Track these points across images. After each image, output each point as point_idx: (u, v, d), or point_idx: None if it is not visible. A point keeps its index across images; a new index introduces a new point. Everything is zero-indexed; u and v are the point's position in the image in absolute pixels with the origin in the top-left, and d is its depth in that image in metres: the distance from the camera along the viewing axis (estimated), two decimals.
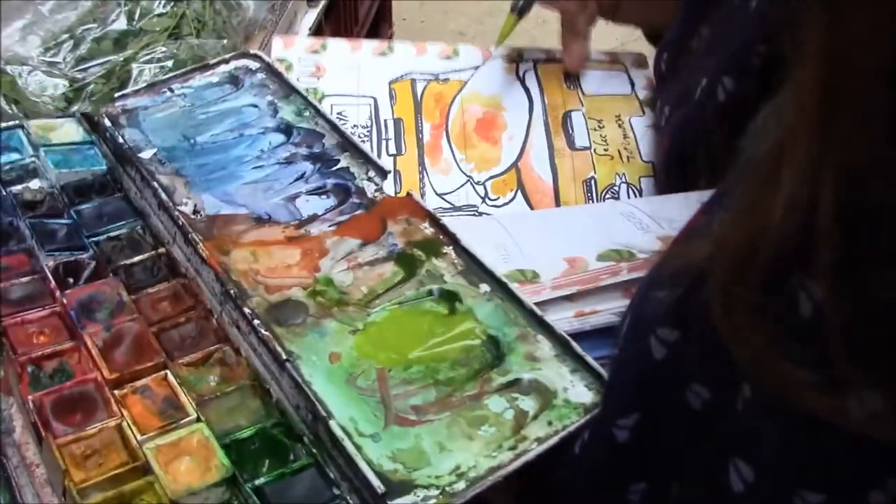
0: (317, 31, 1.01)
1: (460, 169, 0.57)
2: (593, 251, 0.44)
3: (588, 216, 0.49)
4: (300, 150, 0.50)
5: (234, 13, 0.93)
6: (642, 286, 0.35)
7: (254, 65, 0.56)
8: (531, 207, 0.56)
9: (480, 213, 0.55)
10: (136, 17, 0.93)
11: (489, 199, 0.56)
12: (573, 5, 0.61)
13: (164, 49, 0.91)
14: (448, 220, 0.47)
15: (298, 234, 0.45)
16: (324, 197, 0.47)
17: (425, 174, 0.56)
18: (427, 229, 0.45)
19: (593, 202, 0.56)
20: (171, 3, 0.94)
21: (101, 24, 0.92)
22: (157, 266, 0.44)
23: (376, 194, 0.47)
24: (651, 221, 0.46)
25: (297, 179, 0.48)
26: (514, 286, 0.42)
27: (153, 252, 0.44)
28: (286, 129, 0.51)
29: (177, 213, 0.45)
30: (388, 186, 0.55)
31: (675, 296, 0.33)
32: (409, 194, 0.46)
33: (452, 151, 0.58)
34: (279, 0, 0.94)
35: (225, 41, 0.88)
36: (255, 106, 0.53)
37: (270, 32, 0.90)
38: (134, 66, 0.89)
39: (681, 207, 0.47)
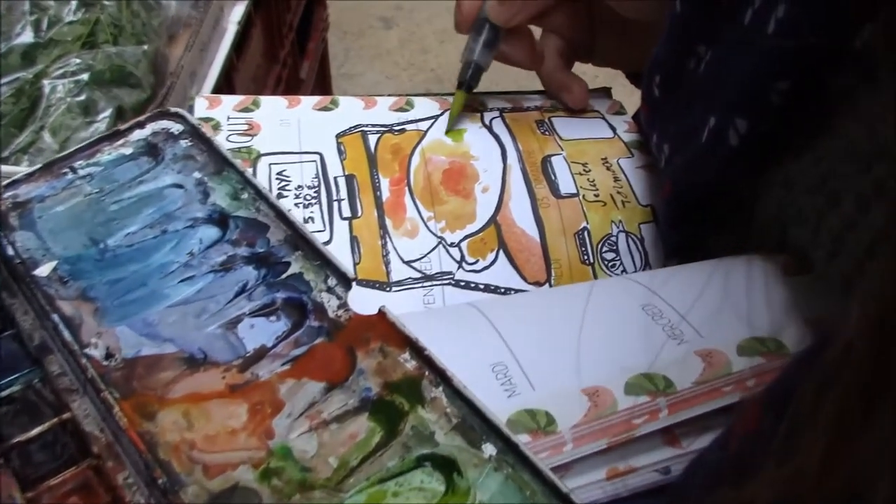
0: (246, 23, 0.90)
1: (429, 229, 0.47)
2: (619, 376, 0.35)
3: (600, 309, 0.39)
4: (239, 249, 0.40)
5: (153, 14, 0.82)
6: None
7: (176, 127, 0.45)
8: (517, 269, 0.47)
9: (457, 281, 0.46)
10: (45, 27, 0.83)
11: (466, 262, 0.47)
12: (525, 60, 0.55)
13: (78, 60, 0.80)
14: (419, 321, 0.38)
15: (243, 379, 0.35)
16: (272, 319, 0.37)
17: (388, 239, 0.47)
18: (408, 363, 0.35)
19: (588, 257, 0.47)
20: (83, 9, 0.83)
21: (4, 37, 0.81)
22: (60, 441, 0.34)
23: (340, 313, 0.37)
24: (683, 323, 0.37)
25: (237, 295, 0.38)
26: (525, 440, 0.33)
27: (55, 419, 0.34)
28: (220, 220, 0.41)
29: (84, 359, 0.35)
30: (346, 260, 0.45)
31: None
32: (381, 312, 0.36)
33: (418, 209, 0.48)
34: None
35: (146, 46, 0.78)
36: (181, 186, 0.43)
37: (196, 31, 0.79)
38: (46, 82, 0.79)
39: (718, 299, 0.38)
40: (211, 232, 0.40)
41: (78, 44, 0.81)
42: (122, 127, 0.45)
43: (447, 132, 0.52)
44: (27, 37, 0.80)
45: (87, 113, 0.78)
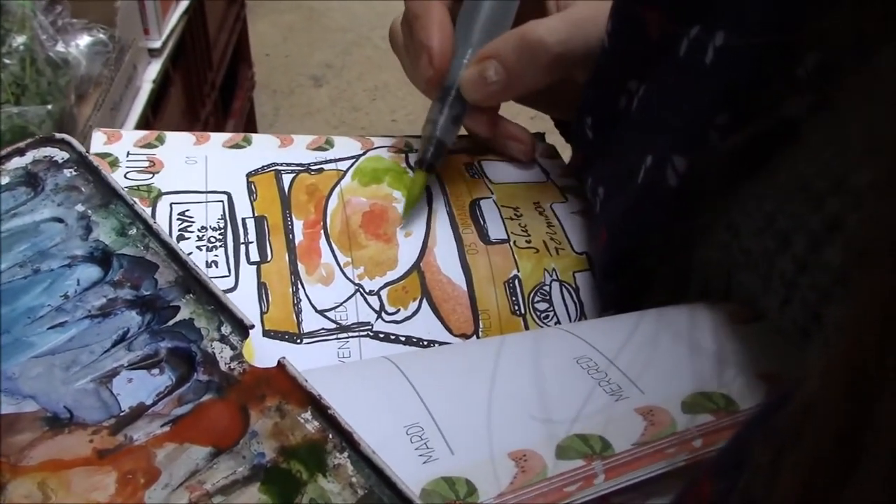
0: (163, 82, 0.85)
1: (346, 276, 0.43)
2: (549, 438, 0.31)
3: (529, 364, 0.35)
4: (121, 292, 0.35)
5: (60, 73, 0.77)
6: None
7: (60, 155, 0.41)
8: (441, 319, 0.43)
9: (376, 333, 0.42)
10: None
11: (386, 313, 0.42)
12: (483, 133, 0.51)
13: None
14: (327, 375, 0.34)
15: (114, 443, 0.30)
16: (154, 372, 0.32)
17: (300, 286, 0.42)
18: (309, 423, 0.30)
19: (520, 307, 0.43)
20: None
21: None
22: None
23: (233, 365, 0.32)
24: (621, 377, 0.33)
25: (115, 344, 0.33)
26: None
27: None
28: (103, 259, 0.36)
29: None
30: (253, 308, 0.41)
31: None
32: (281, 364, 0.32)
33: (334, 254, 0.44)
34: (114, 53, 0.78)
35: (50, 106, 0.72)
36: (60, 220, 0.38)
37: (106, 90, 0.74)
38: None
39: (655, 349, 0.34)
40: (91, 272, 0.36)
41: None
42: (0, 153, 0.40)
43: (405, 212, 0.46)
44: None
45: None
